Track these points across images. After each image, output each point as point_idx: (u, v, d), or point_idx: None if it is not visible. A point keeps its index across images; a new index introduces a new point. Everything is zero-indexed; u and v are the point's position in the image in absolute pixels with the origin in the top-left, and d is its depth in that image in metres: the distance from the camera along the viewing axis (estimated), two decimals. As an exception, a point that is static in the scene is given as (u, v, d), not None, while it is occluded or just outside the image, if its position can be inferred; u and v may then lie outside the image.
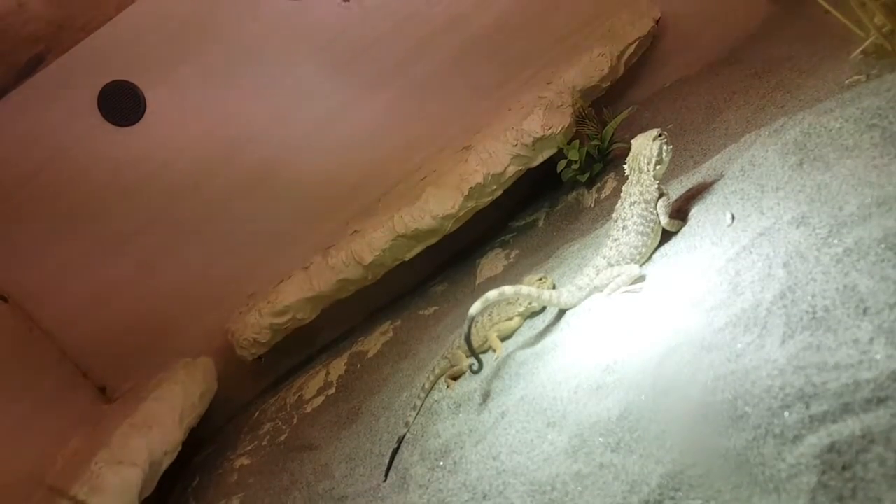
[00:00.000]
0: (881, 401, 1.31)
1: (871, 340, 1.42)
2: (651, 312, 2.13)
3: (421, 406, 2.85)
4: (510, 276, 3.63)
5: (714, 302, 1.90)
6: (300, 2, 4.28)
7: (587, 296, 2.52)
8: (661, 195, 2.48)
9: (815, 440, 1.34)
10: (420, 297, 4.30)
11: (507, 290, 2.42)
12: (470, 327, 2.42)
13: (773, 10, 4.28)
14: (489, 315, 2.83)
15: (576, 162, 3.82)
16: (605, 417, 1.84)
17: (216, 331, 4.44)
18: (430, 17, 4.42)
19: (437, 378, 2.90)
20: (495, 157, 3.93)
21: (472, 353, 2.52)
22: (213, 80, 4.35)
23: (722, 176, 2.53)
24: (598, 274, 2.47)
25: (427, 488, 2.33)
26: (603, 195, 3.68)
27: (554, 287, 2.80)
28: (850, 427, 1.31)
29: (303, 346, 4.62)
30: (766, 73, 3.50)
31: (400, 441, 2.76)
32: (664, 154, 2.52)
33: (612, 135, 3.84)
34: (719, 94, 3.65)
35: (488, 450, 2.19)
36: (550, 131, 3.86)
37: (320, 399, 3.82)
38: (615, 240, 2.48)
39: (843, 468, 1.27)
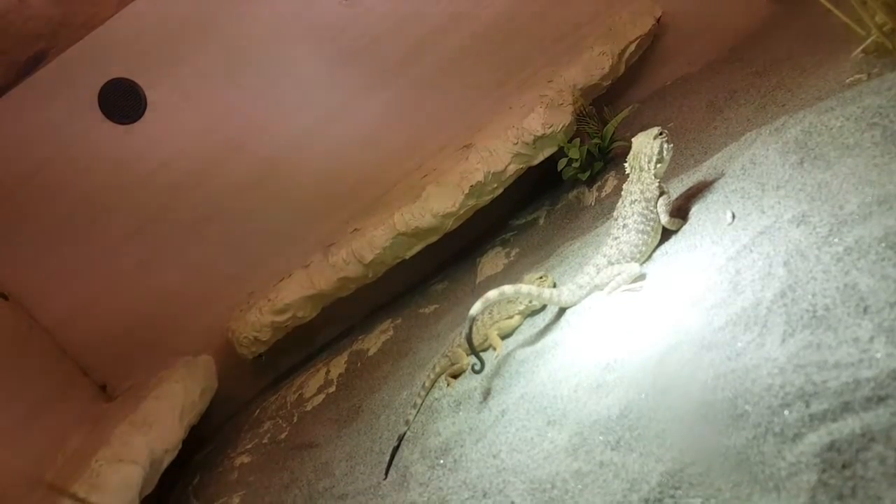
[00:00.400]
0: (881, 399, 1.31)
1: (872, 339, 1.42)
2: (651, 311, 2.13)
3: (421, 404, 2.85)
4: (511, 274, 3.63)
5: (714, 300, 1.90)
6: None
7: (587, 294, 2.52)
8: (661, 194, 2.48)
9: (816, 438, 1.34)
10: (420, 295, 4.30)
11: (507, 289, 2.42)
12: (471, 328, 2.42)
13: (773, 9, 4.27)
14: (489, 313, 2.83)
15: (576, 160, 3.82)
16: (605, 416, 1.84)
17: (217, 329, 4.44)
18: (431, 16, 4.41)
19: (438, 376, 2.91)
20: (496, 156, 3.92)
21: (474, 352, 2.52)
22: (213, 79, 4.34)
23: (722, 174, 2.53)
24: (598, 272, 2.47)
25: (427, 486, 2.33)
26: (603, 193, 3.68)
27: (554, 285, 2.80)
28: (850, 425, 1.31)
29: (303, 344, 4.62)
30: (766, 72, 3.49)
31: (400, 439, 2.76)
32: (665, 152, 2.52)
33: (613, 133, 3.83)
34: (720, 92, 3.65)
35: (488, 448, 2.19)
36: (551, 130, 3.86)
37: (321, 397, 3.83)
38: (616, 238, 2.48)
39: (844, 466, 1.27)
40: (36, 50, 4.01)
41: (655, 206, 2.47)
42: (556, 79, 4.18)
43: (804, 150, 2.19)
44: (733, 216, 2.24)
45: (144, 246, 4.42)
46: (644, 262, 2.47)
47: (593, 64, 4.20)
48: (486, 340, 2.80)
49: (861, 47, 2.56)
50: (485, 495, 2.02)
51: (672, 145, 2.56)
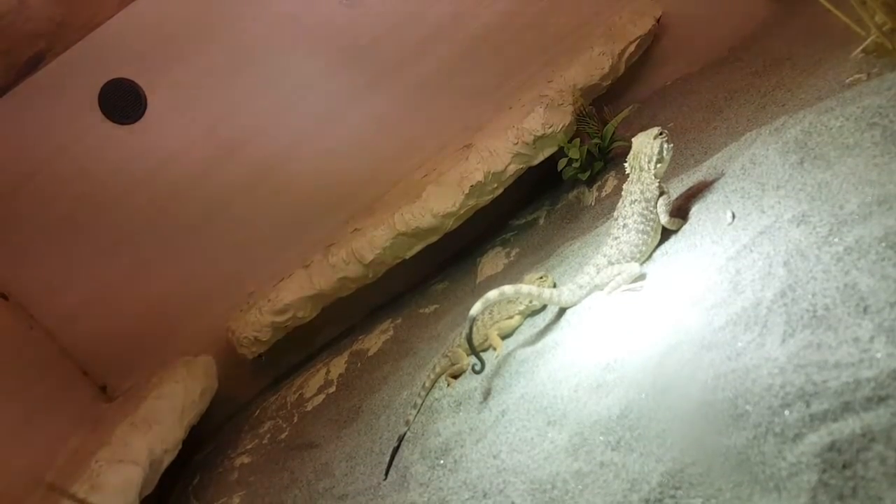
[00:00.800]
0: (882, 399, 1.31)
1: (872, 339, 1.42)
2: (651, 311, 2.13)
3: (421, 404, 2.85)
4: (511, 274, 3.63)
5: (714, 300, 1.90)
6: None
7: (588, 294, 2.52)
8: (661, 193, 2.48)
9: (816, 439, 1.34)
10: (420, 295, 4.30)
11: (507, 289, 2.42)
12: (471, 328, 2.42)
13: (773, 9, 4.27)
14: (490, 313, 2.83)
15: (576, 160, 3.82)
16: (605, 416, 1.84)
17: (217, 329, 4.44)
18: (431, 17, 4.42)
19: (438, 376, 2.91)
20: (496, 156, 3.92)
21: (474, 353, 2.52)
22: (213, 79, 4.34)
23: (722, 174, 2.53)
24: (598, 272, 2.48)
25: (427, 487, 2.33)
26: (603, 193, 3.68)
27: (554, 285, 2.80)
28: (850, 425, 1.31)
29: (303, 344, 4.62)
30: (766, 72, 3.49)
31: (400, 439, 2.76)
32: (665, 152, 2.52)
33: (613, 133, 3.83)
34: (720, 92, 3.65)
35: (489, 448, 2.19)
36: (551, 130, 3.86)
37: (321, 397, 3.83)
38: (616, 238, 2.48)
39: (844, 467, 1.27)
40: (36, 50, 4.01)
41: (655, 206, 2.47)
42: (556, 79, 4.18)
43: (804, 149, 2.19)
44: (733, 216, 2.24)
45: (144, 246, 4.42)
46: (644, 261, 2.47)
47: (593, 64, 4.21)
48: (486, 340, 2.80)
49: (861, 47, 2.56)
50: (485, 496, 2.02)
51: (672, 145, 2.56)
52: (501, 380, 2.50)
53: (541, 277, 2.86)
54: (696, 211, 2.49)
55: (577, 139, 3.88)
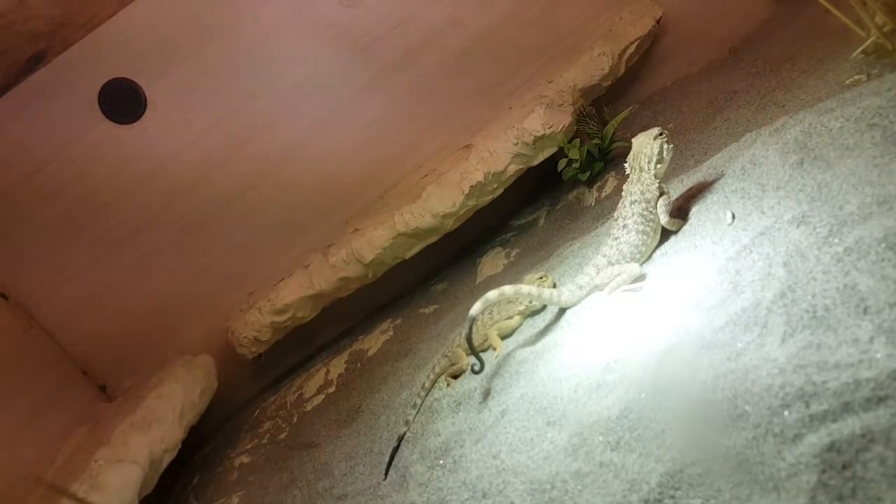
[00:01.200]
0: (881, 400, 1.31)
1: (872, 339, 1.42)
2: (651, 311, 2.13)
3: (421, 404, 2.85)
4: (511, 274, 3.63)
5: (714, 301, 1.90)
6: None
7: (587, 294, 2.52)
8: (661, 194, 2.48)
9: (815, 439, 1.34)
10: (420, 295, 4.30)
11: (507, 289, 2.42)
12: (471, 328, 2.42)
13: (773, 10, 4.28)
14: (489, 313, 2.83)
15: (576, 161, 3.82)
16: (605, 416, 1.84)
17: (216, 329, 4.44)
18: (431, 17, 4.42)
19: (438, 376, 2.90)
20: (496, 156, 3.93)
21: (474, 353, 2.52)
22: (213, 79, 4.34)
23: (722, 175, 2.53)
24: (598, 272, 2.48)
25: (427, 487, 2.33)
26: (603, 194, 3.68)
27: (554, 286, 2.80)
28: (850, 426, 1.31)
29: (303, 344, 4.62)
30: (766, 73, 3.49)
31: (400, 439, 2.76)
32: (665, 153, 2.52)
33: (613, 133, 3.84)
34: (720, 93, 3.65)
35: (488, 448, 2.19)
36: (551, 130, 3.86)
37: (320, 397, 3.83)
38: (616, 238, 2.48)
39: (843, 467, 1.27)
40: (36, 50, 4.01)
41: (655, 207, 2.47)
42: (556, 79, 4.18)
43: (804, 150, 2.19)
44: (733, 216, 2.24)
45: (144, 246, 4.42)
46: (644, 262, 2.47)
47: (593, 64, 4.21)
48: (486, 341, 2.80)
49: (861, 48, 2.56)
50: (484, 496, 2.02)
51: (672, 146, 2.56)
52: (501, 380, 2.50)
53: (540, 278, 2.86)
54: (696, 211, 2.49)
55: (577, 140, 3.88)
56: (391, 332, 4.00)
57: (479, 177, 3.90)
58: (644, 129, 2.65)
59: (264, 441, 3.73)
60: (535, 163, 3.98)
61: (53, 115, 4.21)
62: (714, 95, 3.67)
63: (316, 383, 3.98)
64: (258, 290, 4.44)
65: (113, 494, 2.91)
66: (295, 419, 3.77)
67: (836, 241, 1.72)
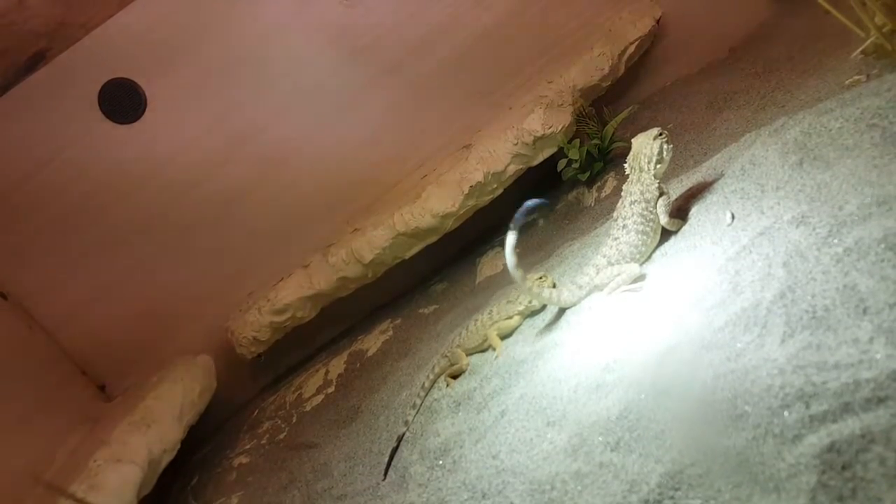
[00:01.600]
0: (881, 400, 1.31)
1: (871, 340, 1.42)
2: (651, 311, 2.13)
3: (420, 405, 2.85)
4: (510, 274, 3.62)
5: (714, 301, 1.90)
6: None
7: (587, 294, 2.52)
8: (661, 194, 2.48)
9: (815, 440, 1.33)
10: (420, 295, 4.30)
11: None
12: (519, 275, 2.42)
13: (773, 10, 4.28)
14: (489, 313, 2.83)
15: (576, 161, 3.82)
16: (604, 416, 1.84)
17: (216, 329, 4.43)
18: (431, 17, 4.42)
19: (437, 377, 2.90)
20: (496, 156, 3.92)
21: (532, 211, 2.52)
22: (213, 79, 4.34)
23: (722, 175, 2.53)
24: (598, 273, 2.48)
25: (426, 487, 2.32)
26: (603, 194, 3.68)
27: (554, 286, 2.80)
28: (849, 426, 1.31)
29: (302, 344, 4.62)
30: (766, 73, 3.50)
31: (399, 440, 2.76)
32: (664, 153, 2.52)
33: (613, 134, 3.83)
34: (720, 93, 3.65)
35: (488, 449, 2.19)
36: (551, 130, 3.86)
37: (319, 398, 3.82)
38: (615, 238, 2.48)
39: (843, 468, 1.26)
40: (36, 50, 4.01)
41: (655, 207, 2.47)
42: (556, 79, 4.18)
43: (803, 151, 2.19)
44: (733, 217, 2.24)
45: (144, 246, 4.42)
46: (644, 262, 2.47)
47: (593, 65, 4.21)
48: (485, 340, 2.80)
49: (860, 49, 2.56)
50: (484, 496, 2.02)
51: (672, 146, 2.56)
52: (501, 380, 2.50)
53: (540, 278, 2.86)
54: (695, 212, 2.49)
55: (577, 140, 3.89)
56: (391, 333, 4.00)
57: (478, 177, 3.90)
58: (644, 129, 2.65)
59: (263, 441, 3.73)
60: (535, 163, 3.98)
61: (53, 115, 4.20)
62: (714, 96, 3.67)
63: (315, 383, 3.98)
64: (257, 290, 4.43)
65: (112, 494, 2.91)
66: (294, 419, 3.77)
67: (835, 241, 1.72)
